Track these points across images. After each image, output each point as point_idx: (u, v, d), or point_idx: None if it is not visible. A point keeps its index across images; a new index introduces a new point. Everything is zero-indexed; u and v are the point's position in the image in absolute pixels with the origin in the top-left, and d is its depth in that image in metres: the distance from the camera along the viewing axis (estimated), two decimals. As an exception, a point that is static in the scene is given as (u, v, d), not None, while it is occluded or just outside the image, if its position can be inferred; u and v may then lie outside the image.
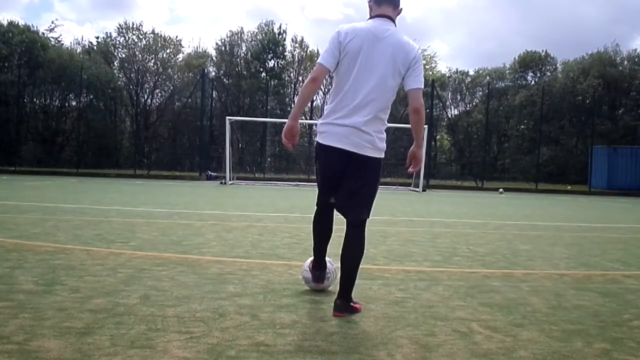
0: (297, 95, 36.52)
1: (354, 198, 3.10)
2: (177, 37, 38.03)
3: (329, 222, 3.40)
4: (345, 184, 3.10)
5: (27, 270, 3.91)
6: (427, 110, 29.57)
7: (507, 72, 36.69)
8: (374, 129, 3.06)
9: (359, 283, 3.85)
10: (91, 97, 31.94)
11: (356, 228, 3.12)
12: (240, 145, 28.90)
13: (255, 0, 59.46)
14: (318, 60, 3.07)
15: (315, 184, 3.36)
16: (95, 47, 35.29)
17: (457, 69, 37.44)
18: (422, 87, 3.11)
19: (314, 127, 32.17)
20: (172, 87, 35.35)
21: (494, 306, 3.39)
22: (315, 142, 3.20)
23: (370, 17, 3.15)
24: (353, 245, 3.13)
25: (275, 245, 5.53)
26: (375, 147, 3.07)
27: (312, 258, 3.60)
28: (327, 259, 3.73)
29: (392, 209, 11.43)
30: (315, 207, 3.40)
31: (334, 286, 3.67)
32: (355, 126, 3.01)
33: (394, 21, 3.13)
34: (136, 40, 35.20)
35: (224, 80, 35.31)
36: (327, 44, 3.07)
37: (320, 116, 3.16)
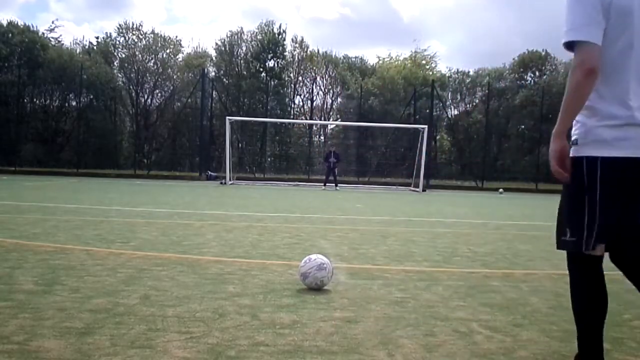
0: (297, 95, 36.57)
1: None
2: (176, 37, 38.04)
3: (603, 283, 2.31)
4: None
5: (27, 270, 3.91)
6: (427, 111, 29.67)
7: (507, 72, 36.69)
8: None
9: (359, 283, 3.87)
10: (91, 97, 31.92)
11: None
12: (240, 145, 28.89)
13: (251, 0, 59.47)
14: (575, 38, 2.01)
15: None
16: (95, 47, 35.29)
17: (457, 69, 37.41)
18: None
19: (314, 127, 32.28)
20: (172, 87, 35.31)
21: (494, 306, 3.39)
22: (578, 158, 2.21)
23: None
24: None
25: (275, 245, 5.53)
26: None
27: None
28: (319, 255, 3.69)
29: (392, 209, 11.44)
30: (571, 264, 2.30)
31: (333, 285, 3.68)
32: None
33: None
34: (136, 40, 35.22)
35: (224, 80, 35.29)
36: (575, 7, 2.03)
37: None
